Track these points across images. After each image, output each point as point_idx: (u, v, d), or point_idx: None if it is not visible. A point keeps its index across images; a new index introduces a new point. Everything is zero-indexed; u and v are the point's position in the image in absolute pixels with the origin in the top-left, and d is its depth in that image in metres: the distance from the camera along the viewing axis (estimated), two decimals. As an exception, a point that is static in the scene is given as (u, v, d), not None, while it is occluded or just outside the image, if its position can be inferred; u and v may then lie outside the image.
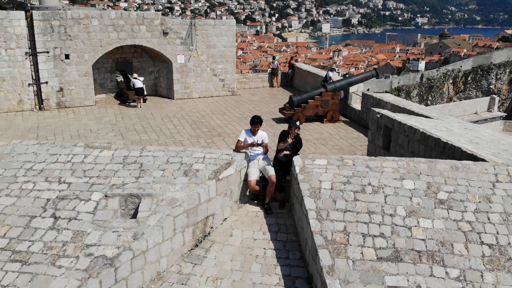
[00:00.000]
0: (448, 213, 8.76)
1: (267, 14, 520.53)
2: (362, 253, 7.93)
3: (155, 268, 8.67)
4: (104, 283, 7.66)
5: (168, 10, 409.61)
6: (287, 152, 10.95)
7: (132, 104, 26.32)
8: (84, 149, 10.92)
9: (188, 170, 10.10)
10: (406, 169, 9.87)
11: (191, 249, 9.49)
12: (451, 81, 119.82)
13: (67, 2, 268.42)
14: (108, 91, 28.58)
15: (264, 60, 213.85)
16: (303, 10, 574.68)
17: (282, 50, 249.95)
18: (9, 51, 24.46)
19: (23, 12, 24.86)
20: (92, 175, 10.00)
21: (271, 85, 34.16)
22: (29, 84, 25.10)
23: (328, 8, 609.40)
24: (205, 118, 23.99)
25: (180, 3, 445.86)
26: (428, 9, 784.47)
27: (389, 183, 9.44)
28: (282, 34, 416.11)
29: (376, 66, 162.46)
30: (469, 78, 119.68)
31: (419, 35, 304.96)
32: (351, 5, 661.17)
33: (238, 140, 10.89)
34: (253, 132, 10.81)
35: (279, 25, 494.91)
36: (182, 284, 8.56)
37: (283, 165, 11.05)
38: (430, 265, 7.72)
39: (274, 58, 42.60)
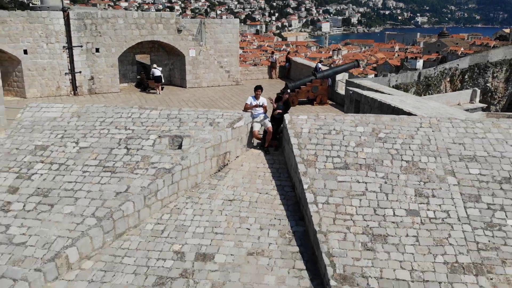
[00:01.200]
0: (383, 144, 13.64)
1: (267, 14, 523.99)
2: (325, 165, 12.80)
3: (194, 180, 13.54)
4: (166, 182, 12.53)
5: (169, 10, 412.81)
6: (280, 111, 15.80)
7: (151, 91, 31.18)
8: (138, 109, 15.78)
9: (212, 122, 14.95)
10: (360, 120, 14.75)
11: (216, 172, 14.36)
12: (448, 79, 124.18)
13: (68, 1, 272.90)
14: (130, 81, 33.47)
15: (264, 59, 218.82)
16: (303, 9, 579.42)
17: (282, 49, 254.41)
18: (49, 45, 29.35)
19: (61, 12, 29.65)
20: (147, 125, 14.87)
21: (270, 77, 39.00)
22: (65, 73, 29.96)
23: (328, 8, 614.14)
24: (215, 102, 28.85)
25: (180, 2, 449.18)
26: (428, 8, 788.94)
27: (347, 129, 14.32)
28: (282, 34, 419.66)
29: (375, 65, 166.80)
30: (466, 76, 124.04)
31: (418, 34, 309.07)
32: (350, 5, 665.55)
33: (246, 103, 15.74)
34: (256, 97, 15.66)
35: (279, 24, 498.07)
36: (212, 189, 13.44)
37: (277, 120, 15.89)
38: (366, 171, 12.61)
39: (273, 53, 47.34)
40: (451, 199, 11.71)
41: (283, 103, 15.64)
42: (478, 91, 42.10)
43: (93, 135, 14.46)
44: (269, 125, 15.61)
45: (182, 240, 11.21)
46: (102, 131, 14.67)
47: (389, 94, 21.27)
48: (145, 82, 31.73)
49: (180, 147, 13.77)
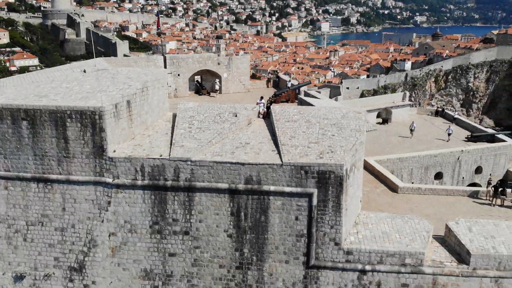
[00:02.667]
0: (306, 123, 25.60)
1: (267, 14, 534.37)
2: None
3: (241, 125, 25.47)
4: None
5: (171, 11, 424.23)
6: (269, 105, 27.79)
7: (204, 96, 43.74)
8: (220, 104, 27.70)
9: (242, 108, 26.78)
10: (299, 109, 26.63)
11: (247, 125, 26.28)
12: (433, 79, 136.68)
13: (75, 3, 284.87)
14: (192, 90, 46.12)
15: (264, 60, 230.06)
16: (302, 9, 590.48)
17: (281, 50, 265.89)
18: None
19: (162, 56, 42.05)
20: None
21: (267, 86, 50.76)
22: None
23: (327, 8, 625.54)
24: (238, 101, 40.94)
25: (182, 3, 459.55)
26: (426, 7, 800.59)
27: (294, 112, 26.19)
28: (282, 34, 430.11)
29: (369, 66, 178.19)
30: (449, 77, 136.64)
31: (414, 34, 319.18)
32: (350, 4, 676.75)
33: (257, 101, 27.70)
34: (260, 99, 27.66)
35: (279, 24, 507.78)
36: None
37: (268, 108, 27.85)
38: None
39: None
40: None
41: (271, 101, 27.60)
42: (408, 94, 52.10)
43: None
44: (265, 109, 27.53)
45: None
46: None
47: (317, 98, 32.75)
48: (201, 91, 44.41)
49: (236, 115, 25.30)
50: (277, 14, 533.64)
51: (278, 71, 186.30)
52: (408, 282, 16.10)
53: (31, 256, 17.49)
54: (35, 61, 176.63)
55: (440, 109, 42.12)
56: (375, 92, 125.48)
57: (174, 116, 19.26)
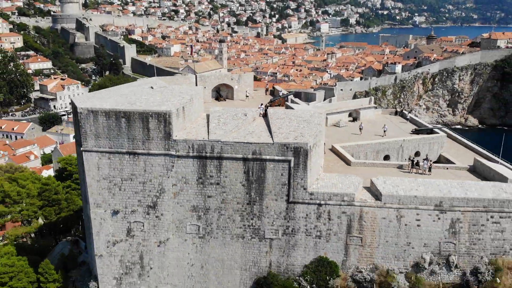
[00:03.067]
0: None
1: (267, 15, 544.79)
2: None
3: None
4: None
5: (174, 13, 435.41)
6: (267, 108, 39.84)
7: (222, 102, 55.61)
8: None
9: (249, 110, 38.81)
10: (285, 111, 38.74)
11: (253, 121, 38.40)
12: (421, 81, 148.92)
13: (81, 6, 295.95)
14: (213, 98, 57.95)
15: (264, 62, 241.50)
16: (302, 10, 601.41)
17: (281, 52, 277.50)
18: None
19: (194, 75, 53.62)
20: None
21: (265, 94, 62.82)
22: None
23: (327, 8, 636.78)
24: (246, 105, 52.85)
25: (184, 5, 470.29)
26: (425, 7, 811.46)
27: (283, 111, 38.29)
28: (282, 35, 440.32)
29: (363, 68, 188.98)
30: (436, 79, 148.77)
31: (410, 36, 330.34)
32: (349, 5, 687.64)
33: (258, 106, 39.77)
34: (260, 105, 39.72)
35: (279, 25, 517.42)
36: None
37: (266, 110, 39.91)
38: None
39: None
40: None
41: (267, 106, 39.61)
42: (373, 98, 63.20)
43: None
44: (263, 111, 39.52)
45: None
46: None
47: (297, 104, 44.53)
48: (220, 98, 56.19)
49: (246, 115, 37.27)
50: (277, 16, 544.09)
51: (278, 73, 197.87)
52: (346, 211, 28.12)
53: (123, 199, 29.49)
54: (48, 64, 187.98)
55: (398, 110, 53.87)
56: (366, 94, 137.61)
57: (207, 115, 31.23)
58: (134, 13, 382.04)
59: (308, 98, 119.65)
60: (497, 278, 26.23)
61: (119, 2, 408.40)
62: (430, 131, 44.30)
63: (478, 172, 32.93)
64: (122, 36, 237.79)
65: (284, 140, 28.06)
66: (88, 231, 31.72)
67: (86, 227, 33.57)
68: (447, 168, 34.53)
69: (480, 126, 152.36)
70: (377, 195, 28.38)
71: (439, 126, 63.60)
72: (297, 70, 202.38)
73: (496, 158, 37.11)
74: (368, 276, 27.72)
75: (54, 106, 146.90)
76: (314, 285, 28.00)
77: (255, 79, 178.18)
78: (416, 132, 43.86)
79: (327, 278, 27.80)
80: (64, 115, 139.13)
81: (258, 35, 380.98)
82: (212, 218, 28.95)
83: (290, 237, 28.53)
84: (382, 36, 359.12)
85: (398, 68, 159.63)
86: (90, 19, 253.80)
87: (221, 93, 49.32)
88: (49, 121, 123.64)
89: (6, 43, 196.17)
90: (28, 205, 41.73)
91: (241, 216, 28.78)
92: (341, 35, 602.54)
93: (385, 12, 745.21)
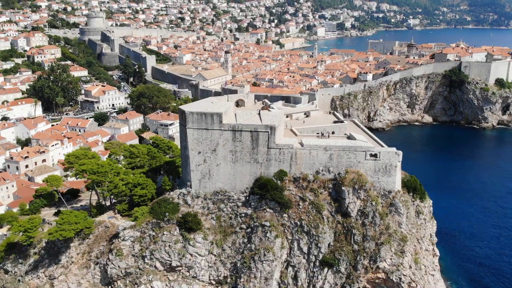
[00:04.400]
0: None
1: (267, 20, 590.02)
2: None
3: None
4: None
5: (180, 20, 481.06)
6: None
7: (239, 107, 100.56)
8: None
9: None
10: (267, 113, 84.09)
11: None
12: (385, 88, 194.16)
13: (100, 15, 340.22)
14: (235, 105, 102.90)
15: (263, 69, 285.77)
16: (300, 15, 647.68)
17: (278, 58, 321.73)
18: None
19: (227, 96, 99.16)
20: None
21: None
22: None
23: (323, 13, 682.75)
24: (252, 108, 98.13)
25: (189, 12, 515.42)
26: (420, 10, 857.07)
27: (266, 112, 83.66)
28: (280, 40, 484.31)
29: (343, 76, 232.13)
30: (397, 86, 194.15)
31: (396, 42, 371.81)
32: (345, 9, 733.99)
33: (258, 109, 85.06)
34: (258, 110, 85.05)
35: (278, 30, 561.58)
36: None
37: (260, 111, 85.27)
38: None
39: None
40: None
41: (260, 110, 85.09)
42: (316, 104, 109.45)
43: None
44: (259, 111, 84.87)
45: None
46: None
47: (273, 109, 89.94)
48: (238, 105, 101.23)
49: (251, 113, 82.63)
50: (276, 21, 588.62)
51: (274, 79, 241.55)
52: (290, 151, 73.25)
53: (202, 147, 74.65)
54: (85, 72, 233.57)
55: (331, 111, 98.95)
56: (342, 98, 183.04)
57: (235, 114, 76.33)
58: (144, 21, 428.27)
59: (295, 101, 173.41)
60: (346, 175, 71.38)
61: (130, 11, 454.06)
62: (342, 122, 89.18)
63: (349, 138, 78.15)
64: (141, 47, 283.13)
65: (266, 123, 73.09)
66: (185, 161, 76.62)
67: (184, 162, 78.30)
68: (333, 133, 79.41)
69: (434, 122, 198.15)
70: (302, 144, 73.47)
71: (351, 119, 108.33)
72: (290, 76, 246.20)
73: (367, 131, 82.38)
74: (299, 176, 72.91)
75: (98, 107, 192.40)
76: (278, 181, 73.09)
77: (255, 84, 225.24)
78: (335, 122, 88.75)
79: (282, 177, 72.99)
80: (106, 113, 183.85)
81: (257, 42, 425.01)
82: (237, 154, 73.97)
83: (268, 162, 73.58)
84: (371, 42, 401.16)
85: (369, 76, 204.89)
86: (113, 31, 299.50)
87: (239, 103, 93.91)
88: (101, 118, 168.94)
89: (48, 54, 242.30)
90: (142, 158, 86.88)
91: (249, 154, 73.83)
92: (336, 38, 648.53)
93: (380, 15, 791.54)
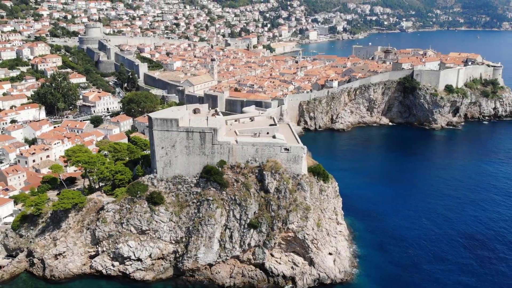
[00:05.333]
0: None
1: (260, 25, 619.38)
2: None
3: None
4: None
5: (175, 26, 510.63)
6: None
7: (196, 114, 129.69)
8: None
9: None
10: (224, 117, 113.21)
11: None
12: (346, 93, 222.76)
13: (98, 22, 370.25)
14: (192, 112, 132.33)
15: (248, 74, 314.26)
16: (293, 19, 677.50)
17: (263, 64, 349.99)
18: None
19: (186, 106, 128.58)
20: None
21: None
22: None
23: (316, 17, 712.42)
24: (204, 115, 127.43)
25: (184, 18, 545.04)
26: (413, 12, 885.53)
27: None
28: (271, 45, 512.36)
29: (326, 79, 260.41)
30: (357, 92, 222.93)
31: (378, 47, 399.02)
32: (338, 12, 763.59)
33: (212, 113, 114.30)
34: (206, 116, 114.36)
35: (271, 34, 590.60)
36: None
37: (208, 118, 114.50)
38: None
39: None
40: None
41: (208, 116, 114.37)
42: (260, 111, 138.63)
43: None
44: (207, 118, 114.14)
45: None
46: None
47: (218, 115, 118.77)
48: (195, 112, 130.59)
49: (201, 119, 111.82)
50: (269, 25, 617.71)
51: (255, 85, 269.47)
52: (228, 146, 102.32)
53: (164, 143, 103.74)
54: (83, 79, 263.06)
55: (272, 116, 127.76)
56: (308, 103, 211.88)
57: (189, 119, 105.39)
58: (140, 28, 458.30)
59: (266, 105, 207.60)
60: (267, 163, 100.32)
61: (127, 18, 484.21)
62: (275, 125, 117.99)
63: (273, 137, 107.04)
64: (135, 54, 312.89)
65: (211, 126, 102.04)
66: (153, 155, 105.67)
67: (152, 154, 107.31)
68: (267, 133, 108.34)
69: (390, 124, 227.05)
70: (237, 141, 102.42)
71: (287, 122, 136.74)
72: (271, 82, 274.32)
73: (294, 128, 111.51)
74: (234, 164, 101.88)
75: (94, 111, 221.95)
76: (220, 168, 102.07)
77: (236, 90, 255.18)
78: (271, 125, 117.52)
79: (222, 165, 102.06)
80: (101, 116, 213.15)
81: (248, 48, 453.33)
82: (190, 149, 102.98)
83: (212, 154, 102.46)
84: (355, 47, 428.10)
85: (335, 83, 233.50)
86: (109, 40, 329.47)
87: (195, 110, 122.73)
88: (96, 121, 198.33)
89: (50, 62, 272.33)
90: (123, 152, 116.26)
91: (199, 148, 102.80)
92: (328, 42, 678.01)
93: (374, 18, 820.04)
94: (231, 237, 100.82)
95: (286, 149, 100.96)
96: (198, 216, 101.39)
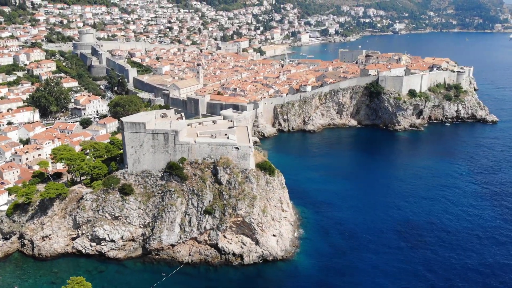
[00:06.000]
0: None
1: (253, 28, 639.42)
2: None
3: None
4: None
5: (168, 30, 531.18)
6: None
7: (162, 117, 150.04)
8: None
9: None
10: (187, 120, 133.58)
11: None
12: (317, 97, 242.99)
13: (90, 28, 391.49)
14: (159, 117, 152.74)
15: (234, 78, 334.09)
16: (286, 22, 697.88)
17: (250, 68, 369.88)
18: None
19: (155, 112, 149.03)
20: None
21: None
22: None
23: (309, 20, 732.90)
24: (170, 119, 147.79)
25: (178, 22, 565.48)
26: (407, 14, 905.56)
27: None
28: (262, 48, 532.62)
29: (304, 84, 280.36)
30: (328, 96, 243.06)
31: (364, 51, 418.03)
32: (331, 15, 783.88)
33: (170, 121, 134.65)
34: (171, 120, 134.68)
35: (263, 37, 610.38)
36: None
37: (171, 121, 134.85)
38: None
39: (171, 120, 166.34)
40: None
41: (171, 120, 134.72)
42: (222, 116, 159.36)
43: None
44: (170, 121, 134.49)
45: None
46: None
47: (181, 119, 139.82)
48: (163, 117, 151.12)
49: (166, 123, 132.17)
50: (261, 28, 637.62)
51: (237, 88, 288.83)
52: (187, 145, 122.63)
53: (134, 143, 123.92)
54: (76, 83, 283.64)
55: (232, 121, 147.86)
56: (282, 106, 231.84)
57: (156, 122, 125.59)
58: (134, 32, 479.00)
59: (242, 108, 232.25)
60: (220, 160, 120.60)
61: (121, 22, 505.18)
62: (233, 127, 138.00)
63: (228, 138, 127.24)
64: (126, 59, 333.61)
65: (173, 128, 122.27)
66: (125, 153, 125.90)
67: (124, 152, 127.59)
68: (226, 134, 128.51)
69: (358, 125, 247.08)
70: (195, 141, 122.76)
71: (245, 125, 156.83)
72: (253, 85, 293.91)
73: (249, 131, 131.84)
74: (193, 161, 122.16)
75: (84, 113, 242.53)
76: (180, 164, 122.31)
77: (219, 93, 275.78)
78: (229, 127, 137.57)
79: (183, 162, 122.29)
80: (90, 119, 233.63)
81: (237, 51, 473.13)
82: (156, 148, 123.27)
83: (175, 152, 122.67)
84: (340, 51, 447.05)
85: (309, 88, 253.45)
86: (102, 45, 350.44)
87: (162, 115, 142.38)
88: (85, 123, 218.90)
89: (45, 68, 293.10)
90: (102, 151, 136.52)
91: (163, 147, 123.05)
92: (320, 44, 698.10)
93: (367, 20, 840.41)
94: (189, 221, 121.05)
95: (236, 148, 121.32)
96: (162, 205, 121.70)
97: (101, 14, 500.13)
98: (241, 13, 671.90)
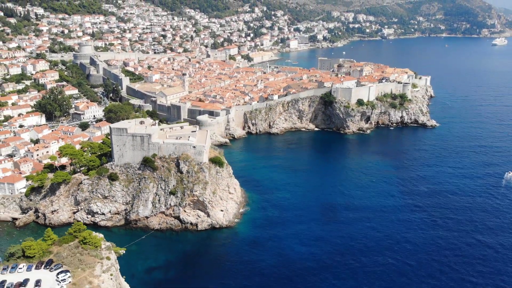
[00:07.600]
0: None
1: (243, 34, 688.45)
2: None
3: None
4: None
5: (162, 37, 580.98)
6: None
7: (141, 124, 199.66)
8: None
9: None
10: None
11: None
12: (281, 105, 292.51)
13: (88, 38, 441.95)
14: (139, 124, 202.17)
15: (217, 86, 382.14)
16: (276, 28, 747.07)
17: (233, 76, 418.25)
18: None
19: (135, 121, 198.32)
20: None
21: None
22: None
23: (299, 26, 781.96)
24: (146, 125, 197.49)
25: (172, 30, 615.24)
26: (396, 20, 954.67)
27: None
28: (249, 54, 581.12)
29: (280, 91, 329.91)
30: (289, 104, 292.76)
31: (340, 60, 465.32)
32: (321, 21, 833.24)
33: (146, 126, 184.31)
34: (146, 126, 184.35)
35: (253, 44, 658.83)
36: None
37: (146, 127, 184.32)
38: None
39: (147, 126, 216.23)
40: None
41: (146, 126, 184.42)
42: (187, 123, 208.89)
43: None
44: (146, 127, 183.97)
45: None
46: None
47: (155, 125, 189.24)
48: (141, 124, 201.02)
49: (142, 128, 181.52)
50: (252, 35, 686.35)
51: (217, 96, 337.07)
52: (159, 144, 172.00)
53: (119, 143, 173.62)
54: (76, 91, 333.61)
55: (196, 126, 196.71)
56: (251, 112, 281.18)
57: (136, 127, 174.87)
58: (130, 40, 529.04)
59: (217, 114, 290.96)
60: (182, 156, 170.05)
61: (118, 30, 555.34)
62: (195, 131, 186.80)
63: (189, 139, 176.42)
64: (121, 68, 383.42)
65: (147, 132, 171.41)
66: (112, 150, 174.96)
67: (112, 149, 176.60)
68: (189, 137, 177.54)
69: (316, 129, 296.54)
70: (164, 142, 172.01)
71: (206, 129, 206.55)
72: (232, 93, 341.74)
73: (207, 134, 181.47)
74: (162, 156, 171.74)
75: (83, 118, 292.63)
76: (153, 158, 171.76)
77: (200, 100, 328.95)
78: (193, 131, 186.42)
79: (155, 156, 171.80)
80: (88, 122, 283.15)
81: (224, 59, 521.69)
82: (135, 146, 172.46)
83: (149, 150, 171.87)
84: (320, 59, 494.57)
85: (275, 97, 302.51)
86: (99, 56, 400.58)
87: (141, 122, 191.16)
88: (84, 126, 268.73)
89: (49, 77, 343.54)
90: (96, 149, 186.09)
91: (140, 146, 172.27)
92: (309, 50, 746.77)
93: (356, 26, 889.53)
94: (159, 200, 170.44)
95: (193, 146, 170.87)
96: (139, 188, 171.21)
97: (100, 23, 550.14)
98: (233, 20, 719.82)
